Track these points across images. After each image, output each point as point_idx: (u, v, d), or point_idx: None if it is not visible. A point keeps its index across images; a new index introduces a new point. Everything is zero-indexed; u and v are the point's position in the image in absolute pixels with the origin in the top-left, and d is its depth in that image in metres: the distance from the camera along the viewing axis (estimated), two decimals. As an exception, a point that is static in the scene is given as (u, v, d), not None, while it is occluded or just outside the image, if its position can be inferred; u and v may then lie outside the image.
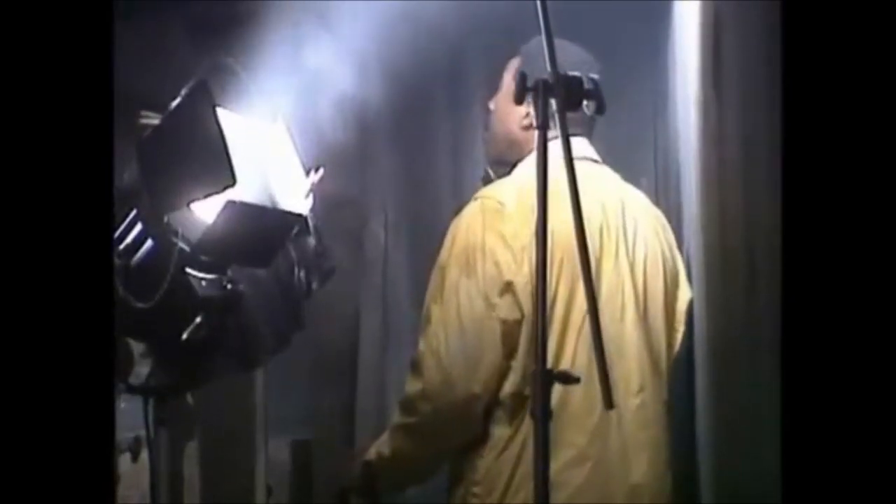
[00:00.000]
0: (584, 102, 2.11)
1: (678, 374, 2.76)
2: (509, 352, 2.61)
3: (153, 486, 2.53)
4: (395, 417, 2.74)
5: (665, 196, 3.26)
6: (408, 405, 2.69)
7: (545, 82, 2.09)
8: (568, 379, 2.13)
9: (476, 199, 2.75)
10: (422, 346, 2.67)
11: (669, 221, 2.89)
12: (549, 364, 2.52)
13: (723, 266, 2.34)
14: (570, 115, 2.36)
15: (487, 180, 2.89)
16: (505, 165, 2.83)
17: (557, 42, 2.71)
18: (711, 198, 2.47)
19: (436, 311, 2.66)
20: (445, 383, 2.61)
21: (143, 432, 2.52)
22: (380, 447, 2.76)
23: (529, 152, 2.65)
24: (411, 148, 3.59)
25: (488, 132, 2.92)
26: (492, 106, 2.88)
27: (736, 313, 2.16)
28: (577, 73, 2.11)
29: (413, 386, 2.67)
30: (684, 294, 2.79)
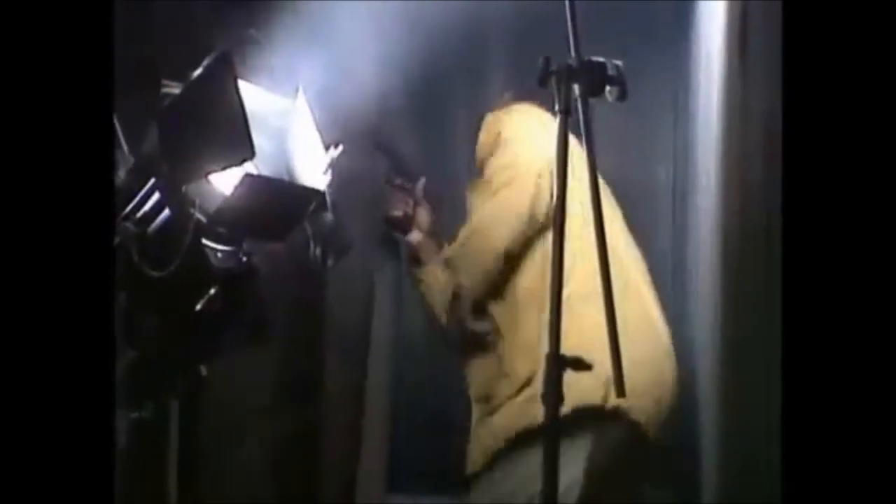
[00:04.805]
0: (607, 88, 2.10)
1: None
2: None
3: (163, 458, 2.54)
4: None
5: (683, 183, 3.25)
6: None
7: (569, 66, 2.08)
8: (580, 365, 2.12)
9: None
10: None
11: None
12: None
13: (741, 256, 2.33)
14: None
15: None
16: None
17: None
18: (732, 185, 2.46)
19: None
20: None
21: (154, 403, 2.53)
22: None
23: None
24: (431, 127, 3.58)
25: None
26: None
27: (755, 305, 2.14)
28: (601, 59, 2.10)
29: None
30: None
